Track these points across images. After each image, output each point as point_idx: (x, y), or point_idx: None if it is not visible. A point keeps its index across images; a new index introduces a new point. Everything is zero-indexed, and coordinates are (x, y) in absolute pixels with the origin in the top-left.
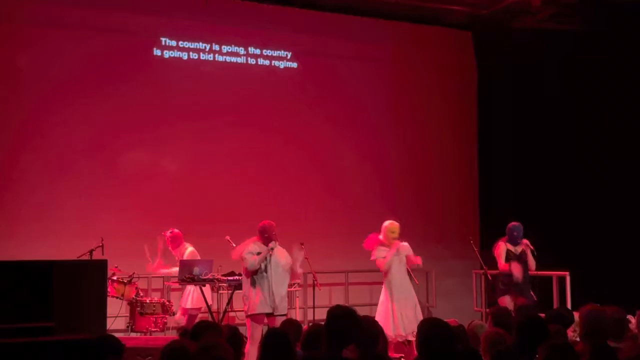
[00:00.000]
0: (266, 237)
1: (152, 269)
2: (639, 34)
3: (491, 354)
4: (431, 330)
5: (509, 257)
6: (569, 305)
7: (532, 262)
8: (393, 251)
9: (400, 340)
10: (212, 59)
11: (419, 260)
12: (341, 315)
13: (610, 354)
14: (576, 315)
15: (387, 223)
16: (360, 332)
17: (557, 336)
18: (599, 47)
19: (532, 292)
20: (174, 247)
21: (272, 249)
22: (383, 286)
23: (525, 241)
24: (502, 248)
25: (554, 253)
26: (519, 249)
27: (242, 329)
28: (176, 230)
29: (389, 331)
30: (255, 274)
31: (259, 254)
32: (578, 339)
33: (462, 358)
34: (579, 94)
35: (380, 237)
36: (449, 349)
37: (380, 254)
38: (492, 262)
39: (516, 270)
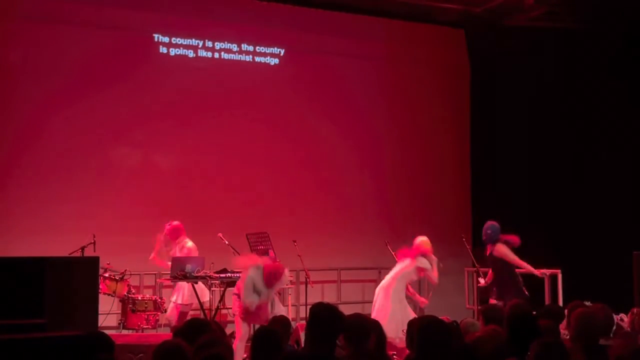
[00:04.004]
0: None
1: (152, 260)
2: (633, 30)
3: (488, 350)
4: (428, 328)
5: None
6: (560, 303)
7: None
8: (435, 266)
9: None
10: (205, 55)
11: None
12: (323, 313)
13: (602, 354)
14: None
15: (423, 238)
16: (343, 329)
17: (549, 333)
18: (591, 44)
19: (524, 289)
20: (173, 238)
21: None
22: (392, 296)
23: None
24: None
25: (546, 251)
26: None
27: (234, 326)
28: (175, 222)
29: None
30: None
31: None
32: (567, 337)
33: (457, 355)
34: (572, 91)
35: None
36: (445, 346)
37: (428, 266)
38: (484, 260)
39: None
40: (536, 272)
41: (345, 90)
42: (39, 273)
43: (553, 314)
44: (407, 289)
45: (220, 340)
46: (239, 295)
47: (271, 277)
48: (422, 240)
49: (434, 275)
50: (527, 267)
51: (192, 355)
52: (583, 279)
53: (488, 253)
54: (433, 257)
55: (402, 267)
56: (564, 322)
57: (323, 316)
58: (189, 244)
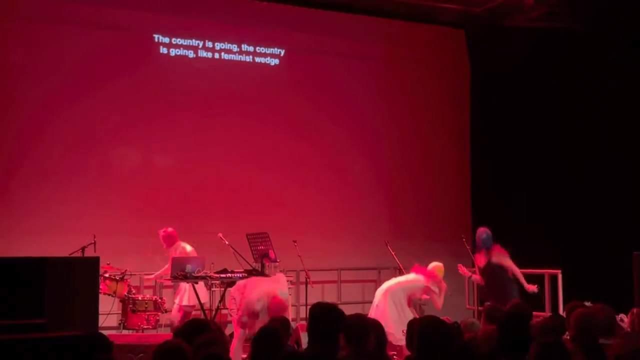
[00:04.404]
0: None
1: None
2: (632, 31)
3: (483, 351)
4: (429, 328)
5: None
6: (560, 303)
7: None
8: (444, 293)
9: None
10: (205, 56)
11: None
12: (322, 312)
13: (601, 354)
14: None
15: (437, 263)
16: (344, 328)
17: (550, 333)
18: (591, 45)
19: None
20: (168, 245)
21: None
22: (384, 295)
23: (532, 287)
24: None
25: (546, 251)
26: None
27: (231, 327)
28: (170, 229)
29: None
30: None
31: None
32: (567, 337)
33: (458, 355)
34: (572, 92)
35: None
36: (446, 347)
37: (437, 291)
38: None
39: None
40: (527, 286)
41: (345, 90)
42: (39, 273)
43: (556, 323)
44: (407, 300)
45: (218, 340)
46: (234, 298)
47: (276, 313)
48: (436, 266)
49: (440, 301)
50: (521, 277)
51: (192, 355)
52: (583, 279)
53: (485, 261)
54: (444, 284)
55: (413, 279)
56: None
57: (323, 316)
58: (188, 248)
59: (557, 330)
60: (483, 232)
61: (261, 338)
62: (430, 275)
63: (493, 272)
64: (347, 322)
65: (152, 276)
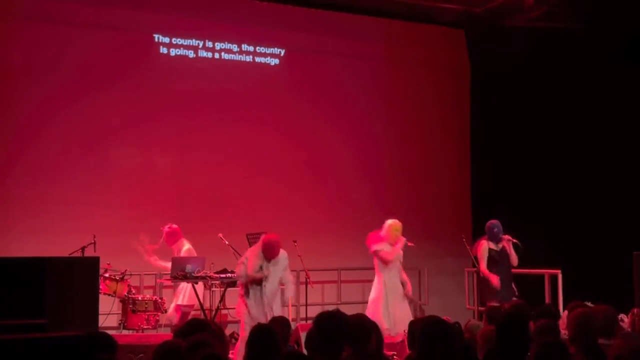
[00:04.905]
0: (268, 254)
1: (147, 259)
2: (632, 30)
3: (486, 351)
4: (430, 328)
5: (491, 255)
6: (560, 304)
7: (514, 257)
8: (400, 246)
9: (393, 335)
10: (205, 55)
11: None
12: (329, 323)
13: (601, 355)
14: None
15: (390, 221)
16: (350, 332)
17: (549, 332)
18: (591, 44)
19: (514, 287)
20: (171, 242)
21: (266, 277)
22: (376, 284)
23: (507, 237)
24: (484, 248)
25: (546, 251)
26: (500, 245)
27: (234, 327)
28: (174, 226)
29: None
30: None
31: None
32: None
33: (459, 355)
34: (572, 91)
35: (382, 234)
36: (447, 347)
37: (384, 247)
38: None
39: (495, 281)
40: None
41: (345, 90)
42: (39, 273)
43: (549, 313)
44: (401, 275)
45: (213, 340)
46: (242, 296)
47: (269, 248)
48: (391, 224)
49: (389, 256)
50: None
51: (187, 355)
52: (583, 279)
53: (499, 249)
54: (400, 239)
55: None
56: (564, 321)
57: (326, 327)
58: (186, 247)
59: (551, 318)
60: (498, 222)
61: (257, 336)
62: (372, 240)
63: (505, 262)
64: (349, 323)
65: (152, 259)
